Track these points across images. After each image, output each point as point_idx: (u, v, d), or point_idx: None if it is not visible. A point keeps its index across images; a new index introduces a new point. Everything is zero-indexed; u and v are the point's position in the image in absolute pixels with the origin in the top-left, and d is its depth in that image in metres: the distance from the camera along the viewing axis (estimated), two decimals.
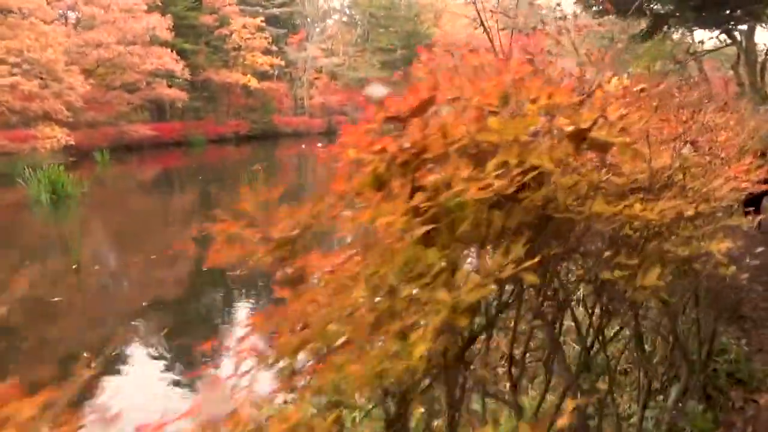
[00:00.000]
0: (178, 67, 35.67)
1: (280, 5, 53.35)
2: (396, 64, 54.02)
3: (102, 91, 34.46)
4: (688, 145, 1.95)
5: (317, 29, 54.18)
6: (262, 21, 46.34)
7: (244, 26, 45.38)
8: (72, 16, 33.80)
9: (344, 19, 62.21)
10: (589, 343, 2.23)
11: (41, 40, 23.97)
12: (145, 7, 35.52)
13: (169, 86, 38.01)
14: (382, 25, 59.07)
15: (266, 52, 47.98)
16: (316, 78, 52.91)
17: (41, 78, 24.62)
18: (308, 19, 55.98)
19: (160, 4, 38.41)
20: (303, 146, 42.89)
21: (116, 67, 34.64)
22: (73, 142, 26.84)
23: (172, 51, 38.33)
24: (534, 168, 1.16)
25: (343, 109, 53.90)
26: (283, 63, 48.84)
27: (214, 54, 46.47)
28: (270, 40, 46.87)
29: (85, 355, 5.29)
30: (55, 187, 16.17)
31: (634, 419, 2.88)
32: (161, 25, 35.72)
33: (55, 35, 24.92)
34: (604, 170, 1.48)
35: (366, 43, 57.22)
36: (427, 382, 1.26)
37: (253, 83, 45.37)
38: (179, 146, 42.25)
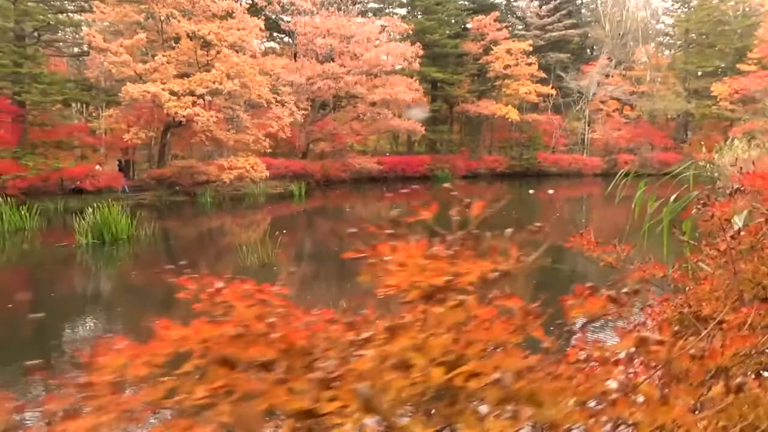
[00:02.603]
0: (409, 97, 33.11)
1: (570, 27, 46.85)
2: (703, 92, 42.32)
3: (332, 123, 34.14)
4: None
5: (607, 54, 45.79)
6: (530, 45, 40.82)
7: (508, 51, 40.55)
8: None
9: (656, 39, 51.86)
10: None
11: (232, 71, 23.93)
12: (389, 36, 34.11)
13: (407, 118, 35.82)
14: (704, 43, 47.16)
15: (540, 81, 42.27)
16: (599, 109, 44.69)
17: (231, 109, 24.73)
18: (602, 43, 47.94)
19: (410, 32, 36.76)
20: (551, 191, 36.12)
21: (348, 99, 33.97)
22: (266, 174, 26.42)
23: (419, 81, 36.26)
24: None
25: (631, 147, 44.36)
26: (554, 92, 42.32)
27: (474, 84, 42.90)
28: (537, 66, 40.96)
29: None
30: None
31: None
32: (404, 54, 33.78)
33: (251, 67, 24.65)
34: None
35: (674, 67, 46.27)
36: None
37: (513, 115, 40.12)
38: (425, 180, 40.00)
